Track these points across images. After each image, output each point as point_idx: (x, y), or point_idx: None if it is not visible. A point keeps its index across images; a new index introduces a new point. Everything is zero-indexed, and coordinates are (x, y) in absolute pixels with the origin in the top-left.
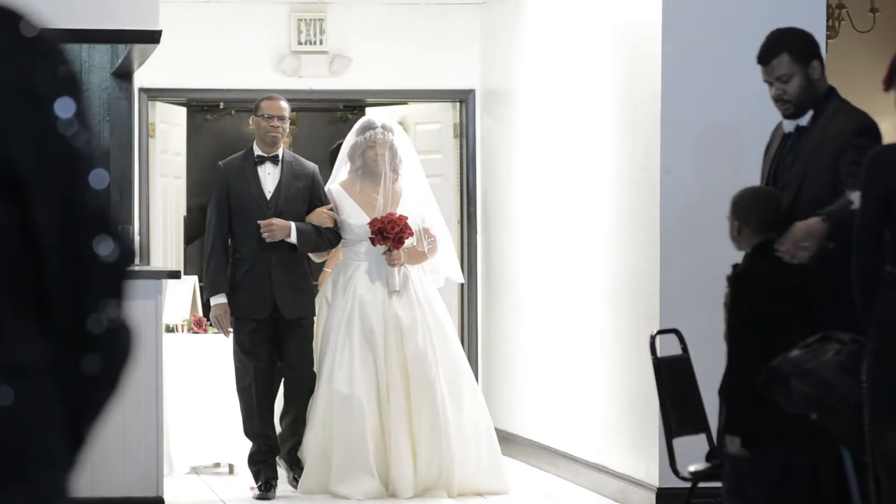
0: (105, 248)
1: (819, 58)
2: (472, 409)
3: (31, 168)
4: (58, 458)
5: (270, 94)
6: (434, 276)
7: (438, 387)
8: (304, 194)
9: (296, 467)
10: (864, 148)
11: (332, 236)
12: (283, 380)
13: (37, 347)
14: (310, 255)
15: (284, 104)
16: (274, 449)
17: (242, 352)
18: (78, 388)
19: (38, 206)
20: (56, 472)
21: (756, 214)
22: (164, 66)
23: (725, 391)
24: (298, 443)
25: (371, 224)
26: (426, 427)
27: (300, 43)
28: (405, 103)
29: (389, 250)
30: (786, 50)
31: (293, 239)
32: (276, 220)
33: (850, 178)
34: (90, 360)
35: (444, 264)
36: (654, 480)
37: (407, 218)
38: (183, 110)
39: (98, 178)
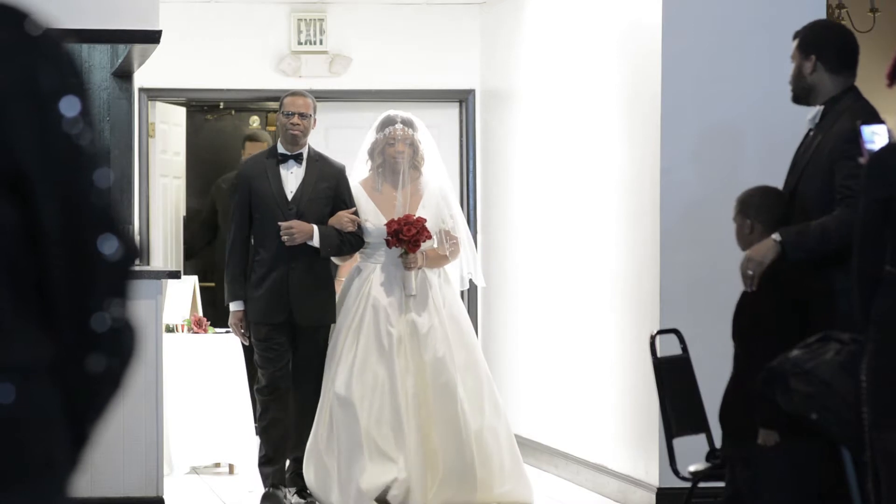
0: (109, 246)
1: (821, 56)
2: (493, 417)
3: (35, 166)
4: (58, 458)
5: (294, 90)
6: (459, 279)
7: (458, 394)
8: (329, 195)
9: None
10: (856, 157)
11: (354, 240)
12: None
13: (40, 346)
14: (332, 257)
15: (307, 100)
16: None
17: (258, 356)
18: (82, 386)
19: (42, 205)
20: (56, 471)
21: (768, 210)
22: (164, 66)
23: (749, 387)
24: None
25: (388, 225)
26: (446, 435)
27: (300, 43)
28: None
29: (405, 253)
30: (798, 36)
31: (316, 242)
32: (296, 223)
33: (838, 194)
34: (94, 359)
35: (466, 267)
36: (654, 480)
37: (425, 220)
38: (183, 110)
39: (102, 177)
